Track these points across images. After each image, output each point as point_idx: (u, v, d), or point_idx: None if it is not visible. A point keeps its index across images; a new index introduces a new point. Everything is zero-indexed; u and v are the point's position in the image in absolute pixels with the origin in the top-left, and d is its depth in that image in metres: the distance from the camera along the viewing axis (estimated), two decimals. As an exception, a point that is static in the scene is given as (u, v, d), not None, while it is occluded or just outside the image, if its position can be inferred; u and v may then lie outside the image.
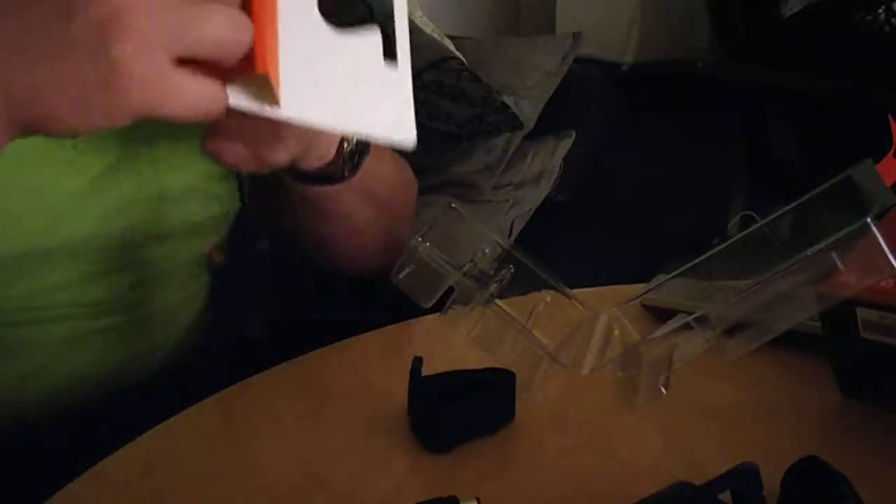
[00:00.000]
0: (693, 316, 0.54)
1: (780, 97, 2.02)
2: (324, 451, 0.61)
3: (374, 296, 0.78)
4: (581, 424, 0.63)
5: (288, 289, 1.11)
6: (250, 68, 0.40)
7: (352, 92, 0.44)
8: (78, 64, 0.38)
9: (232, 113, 0.41)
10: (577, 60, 1.74)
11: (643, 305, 0.69)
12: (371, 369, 0.71)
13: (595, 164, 1.70)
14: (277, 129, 0.51)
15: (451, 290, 0.56)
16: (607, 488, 0.56)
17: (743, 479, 0.47)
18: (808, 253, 0.50)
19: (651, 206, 1.72)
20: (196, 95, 0.40)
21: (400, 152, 0.75)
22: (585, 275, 0.66)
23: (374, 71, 0.45)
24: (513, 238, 1.50)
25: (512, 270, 0.58)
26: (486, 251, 0.58)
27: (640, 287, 0.64)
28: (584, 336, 0.59)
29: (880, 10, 1.80)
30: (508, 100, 1.59)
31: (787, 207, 0.51)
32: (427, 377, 0.61)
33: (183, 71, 0.39)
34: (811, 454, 0.50)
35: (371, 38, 0.45)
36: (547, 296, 0.59)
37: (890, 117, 1.71)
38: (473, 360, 0.60)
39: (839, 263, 0.50)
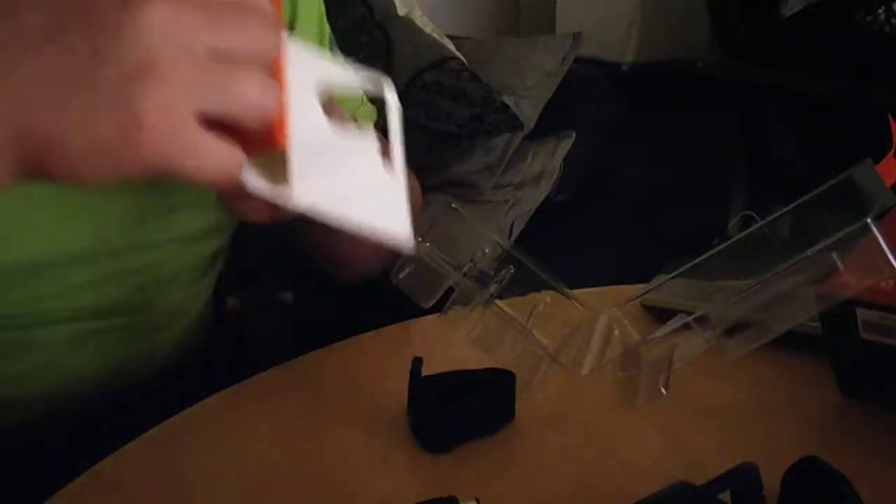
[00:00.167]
0: (693, 316, 0.54)
1: (780, 97, 2.02)
2: (324, 451, 0.61)
3: (374, 296, 0.78)
4: (581, 424, 0.63)
5: (289, 289, 1.11)
6: (270, 144, 0.40)
7: (355, 187, 0.45)
8: (100, 110, 0.36)
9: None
10: (577, 60, 1.74)
11: (643, 305, 0.69)
12: (371, 369, 0.71)
13: (595, 165, 1.70)
14: None
15: (451, 290, 0.56)
16: (607, 488, 0.56)
17: (743, 479, 0.47)
18: (808, 253, 0.50)
19: (651, 206, 1.72)
20: (215, 157, 0.39)
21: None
22: (585, 275, 0.66)
23: (374, 170, 0.46)
24: (513, 238, 1.50)
25: (512, 271, 0.58)
26: (486, 251, 0.58)
27: (640, 287, 0.64)
28: (584, 336, 0.59)
29: (880, 10, 1.80)
30: (508, 100, 1.60)
31: (787, 207, 0.51)
32: (427, 377, 0.61)
33: (204, 131, 0.38)
34: (811, 454, 0.50)
35: (369, 140, 0.46)
36: (547, 296, 0.59)
37: (890, 117, 1.71)
38: (473, 360, 0.60)
39: (839, 264, 0.50)
